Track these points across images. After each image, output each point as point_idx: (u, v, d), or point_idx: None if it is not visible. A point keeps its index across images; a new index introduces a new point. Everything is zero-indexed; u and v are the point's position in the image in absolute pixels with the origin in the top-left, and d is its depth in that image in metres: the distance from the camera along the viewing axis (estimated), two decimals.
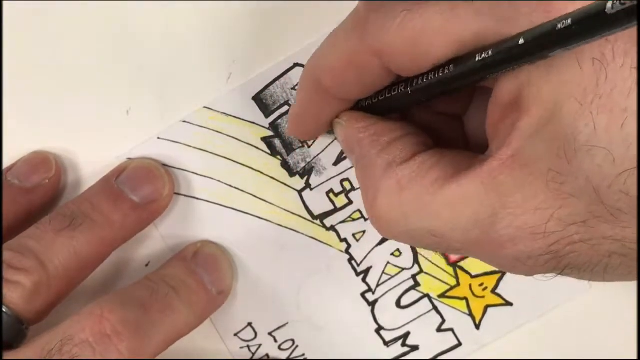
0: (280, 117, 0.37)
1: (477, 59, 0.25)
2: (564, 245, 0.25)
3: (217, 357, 0.38)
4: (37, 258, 0.33)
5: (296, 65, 0.36)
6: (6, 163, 0.37)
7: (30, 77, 0.36)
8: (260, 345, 0.38)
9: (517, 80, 0.25)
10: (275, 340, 0.38)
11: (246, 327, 0.38)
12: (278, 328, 0.38)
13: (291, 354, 0.38)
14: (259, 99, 0.36)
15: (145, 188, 0.36)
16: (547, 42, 0.23)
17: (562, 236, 0.25)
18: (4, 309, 0.32)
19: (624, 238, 0.25)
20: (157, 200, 0.36)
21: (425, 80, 0.28)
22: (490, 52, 0.25)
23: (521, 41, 0.24)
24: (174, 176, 0.37)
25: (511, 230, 0.26)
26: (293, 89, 0.36)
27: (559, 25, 0.23)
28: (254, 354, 0.39)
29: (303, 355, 0.38)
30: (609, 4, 0.21)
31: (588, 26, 0.22)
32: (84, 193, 0.36)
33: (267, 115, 0.37)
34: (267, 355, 0.38)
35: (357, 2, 0.29)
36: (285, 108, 0.36)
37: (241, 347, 0.39)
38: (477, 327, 0.38)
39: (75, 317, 0.32)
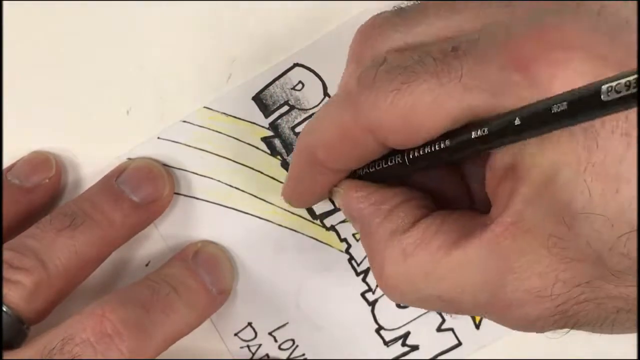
0: (280, 117, 0.37)
1: (472, 136, 0.26)
2: (571, 305, 0.26)
3: (217, 357, 0.38)
4: (37, 257, 0.33)
5: (296, 65, 0.36)
6: (6, 163, 0.37)
7: (30, 77, 0.37)
8: (260, 345, 0.38)
9: (512, 149, 0.26)
10: (275, 340, 0.38)
11: (246, 326, 0.38)
12: (278, 328, 0.38)
13: (291, 353, 0.38)
14: (259, 99, 0.36)
15: (145, 188, 0.36)
16: (542, 123, 0.24)
17: (568, 297, 0.26)
18: (4, 309, 0.32)
19: (629, 296, 0.26)
20: (157, 200, 0.36)
21: (420, 154, 0.28)
22: (485, 131, 0.25)
23: (517, 122, 0.24)
24: (174, 176, 0.37)
25: (518, 293, 0.26)
26: (293, 89, 0.36)
27: (554, 109, 0.23)
28: (254, 354, 0.39)
29: (303, 355, 0.38)
30: (604, 89, 0.21)
31: (583, 110, 0.22)
32: (84, 193, 0.36)
33: (267, 115, 0.37)
34: (267, 355, 0.38)
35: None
36: (285, 108, 0.36)
37: (241, 347, 0.39)
38: (477, 327, 0.38)
39: (76, 316, 0.32)
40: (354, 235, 0.37)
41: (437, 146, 0.27)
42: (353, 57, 0.30)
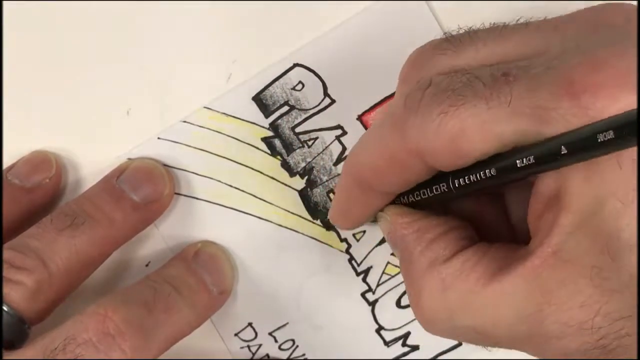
0: (280, 117, 0.37)
1: (518, 165, 0.26)
2: (612, 339, 0.26)
3: (217, 357, 0.38)
4: (38, 257, 0.33)
5: (296, 65, 0.36)
6: (6, 163, 0.37)
7: (30, 77, 0.37)
8: (260, 345, 0.38)
9: (558, 176, 0.26)
10: (276, 340, 0.38)
11: (246, 327, 0.38)
12: (278, 328, 0.38)
13: (291, 354, 0.38)
14: (259, 99, 0.36)
15: (145, 188, 0.36)
16: (588, 151, 0.24)
17: (609, 331, 0.26)
18: (5, 308, 0.32)
19: None
20: (158, 200, 0.36)
21: (465, 181, 0.28)
22: (532, 159, 0.26)
23: (564, 151, 0.24)
24: (174, 176, 0.37)
25: (558, 325, 0.26)
26: (293, 89, 0.36)
27: (600, 138, 0.23)
28: (254, 354, 0.39)
29: (303, 355, 0.38)
30: None
31: (629, 137, 0.23)
32: (85, 192, 0.36)
33: (267, 116, 0.37)
34: (267, 355, 0.38)
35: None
36: (285, 108, 0.36)
37: (241, 347, 0.39)
38: None
39: (78, 316, 0.32)
40: (354, 235, 0.37)
41: (482, 173, 0.27)
42: (401, 80, 0.30)
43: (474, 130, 0.26)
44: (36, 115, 0.37)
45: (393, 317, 0.37)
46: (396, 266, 0.37)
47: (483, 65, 0.27)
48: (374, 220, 0.33)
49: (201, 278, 0.36)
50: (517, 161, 0.26)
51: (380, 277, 0.37)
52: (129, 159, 0.37)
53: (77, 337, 0.31)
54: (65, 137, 0.37)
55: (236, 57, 0.36)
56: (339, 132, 0.37)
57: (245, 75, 0.36)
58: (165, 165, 0.37)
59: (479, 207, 0.32)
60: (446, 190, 0.29)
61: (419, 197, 0.31)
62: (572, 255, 0.25)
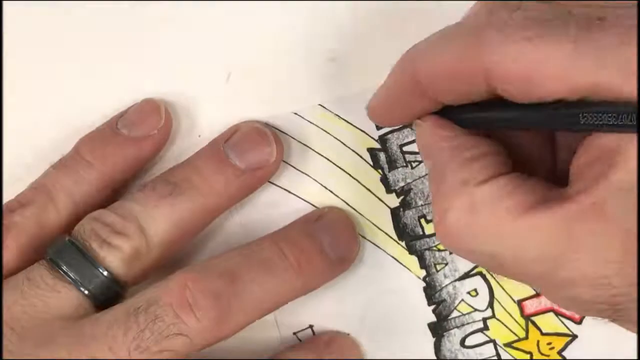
0: (391, 132, 0.36)
1: (582, 121, 0.25)
2: (623, 300, 0.25)
3: (269, 353, 0.38)
4: (138, 224, 0.33)
5: None
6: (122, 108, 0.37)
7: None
8: None
9: (622, 134, 0.25)
10: None
11: (307, 328, 0.38)
12: None
13: None
14: None
15: (252, 154, 0.35)
16: None
17: (624, 292, 0.25)
18: (104, 272, 0.33)
19: None
20: (263, 167, 0.35)
21: (525, 114, 0.27)
22: (601, 119, 0.25)
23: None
24: (284, 143, 0.36)
25: (577, 274, 0.26)
26: None
27: None
28: None
29: None
30: None
31: None
32: (191, 157, 0.36)
33: (378, 127, 0.36)
34: None
35: None
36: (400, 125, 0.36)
37: None
38: None
39: (164, 281, 0.32)
40: (435, 265, 0.37)
41: (544, 111, 0.26)
42: None
43: (553, 69, 0.25)
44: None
45: (454, 354, 0.37)
46: (470, 305, 0.37)
47: (580, 3, 0.26)
48: (410, 125, 0.31)
49: (318, 241, 0.35)
50: (583, 115, 0.25)
51: (452, 312, 0.37)
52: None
53: (159, 300, 0.32)
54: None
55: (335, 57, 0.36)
56: None
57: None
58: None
59: (520, 138, 0.31)
60: (496, 118, 0.28)
61: (466, 115, 0.30)
62: (612, 212, 0.25)
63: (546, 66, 0.25)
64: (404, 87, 0.30)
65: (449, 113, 0.30)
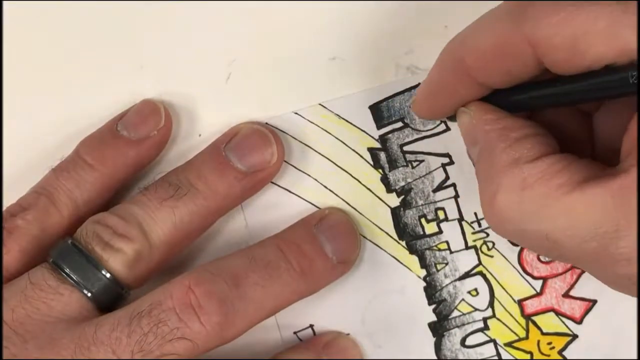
0: (392, 131, 0.36)
1: (632, 82, 0.25)
2: None
3: (271, 352, 0.38)
4: (140, 227, 0.33)
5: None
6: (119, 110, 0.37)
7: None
8: None
9: None
10: None
11: (307, 327, 0.38)
12: None
13: None
14: (376, 109, 0.36)
15: (253, 156, 0.35)
16: None
17: None
18: (107, 274, 0.33)
19: None
20: (265, 169, 0.35)
21: (572, 85, 0.27)
22: None
23: None
24: (284, 145, 0.36)
25: (630, 250, 0.25)
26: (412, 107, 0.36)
27: None
28: None
29: None
30: None
31: None
32: (192, 159, 0.36)
33: (379, 127, 0.36)
34: None
35: None
36: (399, 124, 0.36)
37: None
38: None
39: (167, 285, 0.32)
40: (436, 264, 0.37)
41: (593, 79, 0.26)
42: None
43: (601, 32, 0.25)
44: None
45: (454, 354, 0.37)
46: (470, 305, 0.37)
47: None
48: (452, 117, 0.32)
49: (320, 244, 0.35)
50: (631, 75, 0.25)
51: (452, 312, 0.37)
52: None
53: (162, 304, 0.32)
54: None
55: (336, 56, 0.36)
56: (446, 160, 0.36)
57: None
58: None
59: (563, 121, 0.31)
60: (543, 94, 0.28)
61: (513, 97, 0.30)
62: None
63: (593, 29, 0.25)
64: (450, 74, 0.30)
65: (492, 100, 0.30)
